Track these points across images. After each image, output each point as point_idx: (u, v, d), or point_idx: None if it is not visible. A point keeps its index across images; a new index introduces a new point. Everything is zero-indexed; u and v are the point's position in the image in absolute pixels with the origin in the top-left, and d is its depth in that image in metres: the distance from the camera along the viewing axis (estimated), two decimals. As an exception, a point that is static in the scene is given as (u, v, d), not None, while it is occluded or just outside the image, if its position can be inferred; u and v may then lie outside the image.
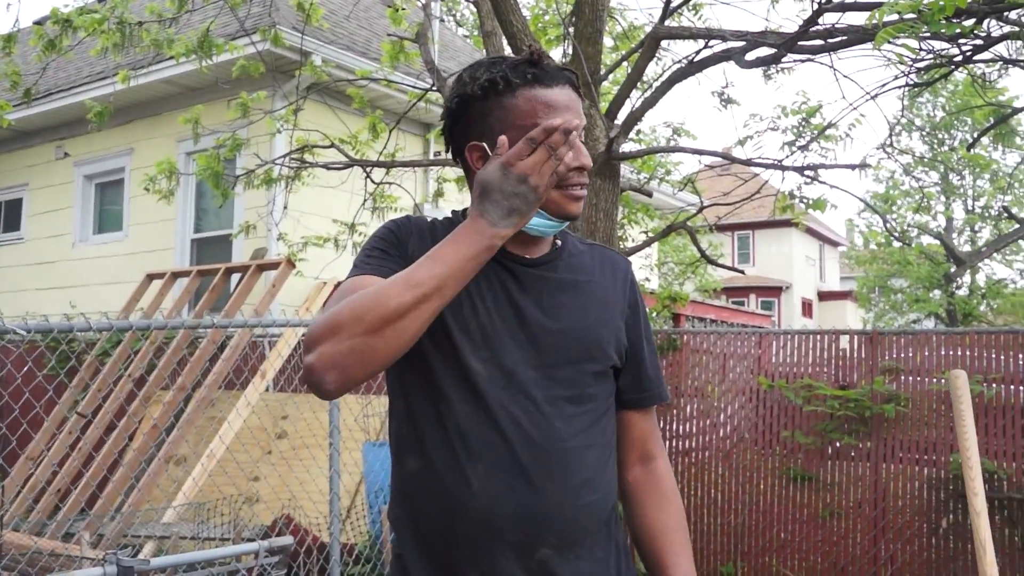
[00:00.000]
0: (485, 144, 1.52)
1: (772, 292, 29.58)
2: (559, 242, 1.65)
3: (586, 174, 1.54)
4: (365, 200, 6.89)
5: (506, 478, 1.47)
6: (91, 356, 7.33)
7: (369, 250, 1.59)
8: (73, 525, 6.11)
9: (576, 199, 1.54)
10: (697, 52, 5.16)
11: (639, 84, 5.66)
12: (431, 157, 9.11)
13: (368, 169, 6.61)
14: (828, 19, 4.69)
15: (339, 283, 1.55)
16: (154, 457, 6.14)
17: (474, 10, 6.67)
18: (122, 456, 6.43)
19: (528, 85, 1.51)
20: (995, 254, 20.20)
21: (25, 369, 5.51)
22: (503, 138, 1.40)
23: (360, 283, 1.48)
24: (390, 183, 6.87)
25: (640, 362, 1.69)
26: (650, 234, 8.26)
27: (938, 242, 20.45)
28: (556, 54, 6.64)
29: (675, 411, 6.36)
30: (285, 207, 7.06)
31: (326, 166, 6.50)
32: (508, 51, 5.38)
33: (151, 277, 7.92)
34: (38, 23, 9.01)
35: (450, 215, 1.67)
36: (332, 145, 6.49)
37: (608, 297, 1.65)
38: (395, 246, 1.57)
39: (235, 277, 7.70)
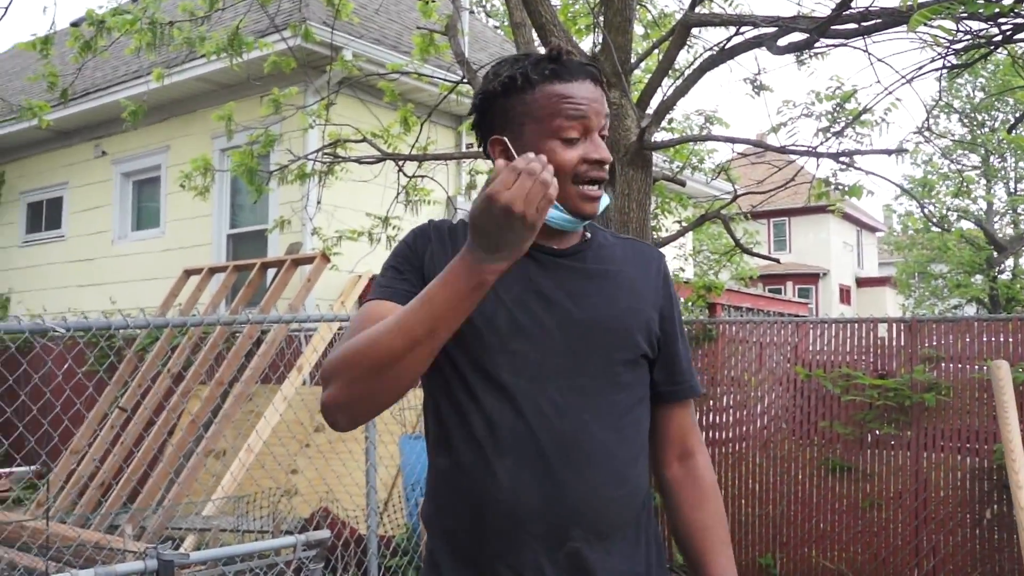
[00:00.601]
0: (506, 138, 1.53)
1: (809, 279, 29.27)
2: (588, 234, 1.64)
3: (606, 171, 1.53)
4: (398, 193, 6.91)
5: (533, 471, 1.46)
6: (130, 353, 7.43)
7: (385, 270, 1.61)
8: (116, 518, 6.21)
9: (589, 199, 1.53)
10: (728, 39, 5.09)
11: (670, 72, 5.62)
12: (463, 149, 9.11)
13: (400, 163, 6.62)
14: (861, 2, 4.62)
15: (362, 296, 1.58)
16: (193, 452, 6.21)
17: (503, 1, 6.64)
18: (162, 451, 6.52)
19: (548, 81, 1.51)
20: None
21: (66, 366, 5.60)
22: (530, 155, 1.34)
23: (373, 312, 1.49)
24: (422, 176, 6.88)
25: (675, 355, 1.67)
26: (684, 223, 8.20)
27: (976, 227, 20.12)
28: (586, 44, 6.60)
29: (712, 401, 6.31)
30: (319, 202, 7.10)
31: (359, 160, 6.52)
32: (537, 42, 5.35)
33: (188, 273, 8.01)
34: (74, 24, 9.13)
35: None
36: (364, 139, 6.51)
37: (640, 288, 1.63)
38: (408, 261, 1.58)
39: (271, 272, 7.76)
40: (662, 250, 7.08)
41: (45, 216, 11.66)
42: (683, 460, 1.69)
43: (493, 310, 1.49)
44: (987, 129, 20.61)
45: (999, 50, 5.27)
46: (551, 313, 1.52)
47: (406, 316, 1.36)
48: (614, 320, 1.56)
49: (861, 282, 32.47)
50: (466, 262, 1.33)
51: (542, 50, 5.76)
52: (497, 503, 1.46)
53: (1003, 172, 21.66)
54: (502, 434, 1.47)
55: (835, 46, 4.99)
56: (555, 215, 1.53)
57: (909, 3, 3.40)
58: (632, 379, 1.58)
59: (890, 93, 4.95)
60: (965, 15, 3.82)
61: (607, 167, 1.54)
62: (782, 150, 5.51)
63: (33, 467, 6.75)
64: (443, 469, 1.55)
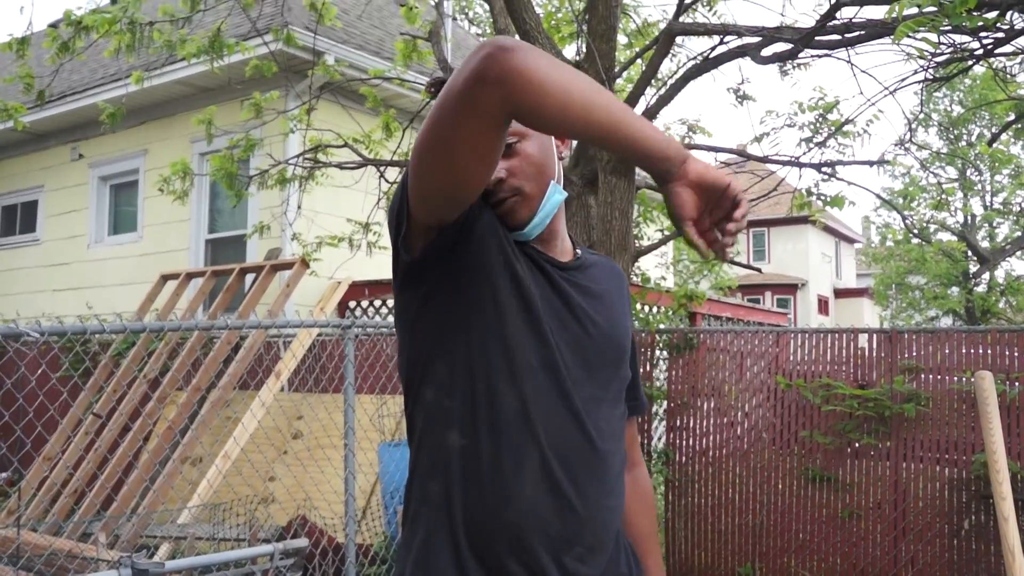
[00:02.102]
0: None
1: (788, 289, 29.44)
2: (578, 251, 1.67)
3: (507, 185, 1.49)
4: (379, 199, 6.87)
5: (559, 474, 1.45)
6: (105, 358, 7.34)
7: None
8: (89, 526, 6.11)
9: (503, 214, 1.51)
10: (712, 48, 5.10)
11: (654, 81, 5.61)
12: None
13: (382, 168, 6.58)
14: (846, 13, 4.63)
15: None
16: (169, 458, 6.13)
17: (487, 8, 6.63)
18: (137, 457, 6.43)
19: None
20: (1018, 252, 20.02)
21: (40, 371, 5.52)
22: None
23: None
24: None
25: (635, 371, 1.74)
26: (666, 232, 8.20)
27: (956, 239, 20.27)
28: (569, 51, 6.60)
29: (692, 410, 6.31)
30: (299, 207, 7.05)
31: (340, 166, 6.48)
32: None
33: (165, 278, 7.92)
34: (52, 26, 9.04)
35: None
36: (345, 145, 6.47)
37: (622, 307, 1.69)
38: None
39: (249, 277, 7.70)
40: (644, 258, 7.05)
41: (20, 219, 11.52)
42: (628, 470, 1.74)
43: (540, 305, 1.50)
44: (964, 143, 20.81)
45: (980, 63, 5.31)
46: (568, 325, 1.54)
47: (606, 99, 1.31)
48: (617, 338, 1.61)
49: (839, 293, 32.70)
50: (675, 149, 1.34)
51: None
52: (520, 499, 1.43)
53: (979, 186, 21.88)
54: (534, 427, 1.45)
55: (819, 57, 5.02)
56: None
57: (894, 15, 3.41)
58: (623, 396, 1.66)
59: (872, 104, 4.98)
60: (949, 28, 3.84)
61: (504, 182, 1.49)
62: (765, 160, 5.53)
63: (4, 474, 6.64)
64: (457, 448, 1.46)
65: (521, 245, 1.55)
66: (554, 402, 1.47)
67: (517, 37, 5.18)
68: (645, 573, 1.71)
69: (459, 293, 1.47)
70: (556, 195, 1.56)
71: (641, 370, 6.42)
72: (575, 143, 5.05)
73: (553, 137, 1.58)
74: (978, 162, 20.47)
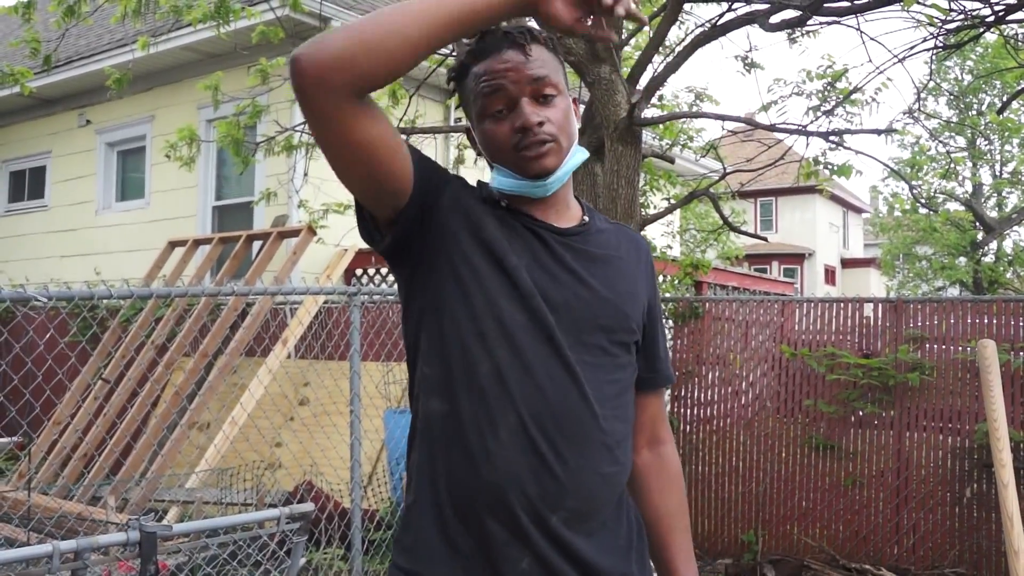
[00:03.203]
0: (471, 126, 1.59)
1: (795, 259, 29.36)
2: (586, 217, 1.64)
3: (541, 130, 1.50)
4: (385, 167, 6.85)
5: (535, 434, 1.45)
6: (114, 323, 7.38)
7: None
8: (99, 490, 6.18)
9: (530, 159, 1.51)
10: (720, 16, 5.06)
11: (661, 49, 5.58)
12: (451, 123, 9.05)
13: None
14: (856, -20, 4.58)
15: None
16: (177, 424, 6.18)
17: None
18: (145, 422, 6.49)
19: (472, 63, 1.55)
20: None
21: (48, 336, 5.55)
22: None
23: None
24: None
25: (655, 342, 1.70)
26: (672, 201, 8.19)
27: (964, 208, 20.18)
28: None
29: (697, 379, 6.33)
30: (305, 174, 7.04)
31: (346, 133, 6.46)
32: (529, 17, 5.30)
33: (173, 244, 7.95)
34: (57, -10, 8.99)
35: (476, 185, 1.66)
36: (352, 111, 6.44)
37: (633, 273, 1.65)
38: (438, 172, 1.54)
39: (256, 244, 7.71)
40: (650, 227, 7.03)
41: (28, 185, 11.54)
42: (652, 447, 1.73)
43: (515, 264, 1.50)
44: (974, 112, 20.65)
45: (991, 31, 5.26)
46: (558, 287, 1.52)
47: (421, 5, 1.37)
48: (615, 302, 1.57)
49: (846, 263, 32.62)
50: None
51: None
52: (496, 459, 1.44)
53: (989, 155, 21.73)
54: (510, 388, 1.46)
55: (827, 24, 4.98)
56: (513, 183, 1.54)
57: (903, -19, 3.38)
58: (626, 362, 1.60)
59: (881, 73, 4.94)
60: (959, -6, 3.81)
61: (544, 125, 1.50)
62: (772, 128, 5.50)
63: (15, 438, 6.70)
64: (439, 412, 1.50)
65: (513, 214, 1.55)
66: (540, 364, 1.47)
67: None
68: (666, 551, 1.69)
69: (433, 269, 1.52)
70: (579, 153, 1.59)
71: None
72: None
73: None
74: (988, 131, 20.32)
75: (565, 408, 1.47)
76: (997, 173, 21.98)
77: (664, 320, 6.44)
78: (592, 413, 1.50)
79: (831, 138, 5.49)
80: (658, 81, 5.17)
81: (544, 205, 1.58)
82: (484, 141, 1.56)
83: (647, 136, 7.43)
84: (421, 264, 1.52)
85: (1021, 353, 5.40)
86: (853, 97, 5.83)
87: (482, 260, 1.49)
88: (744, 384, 6.22)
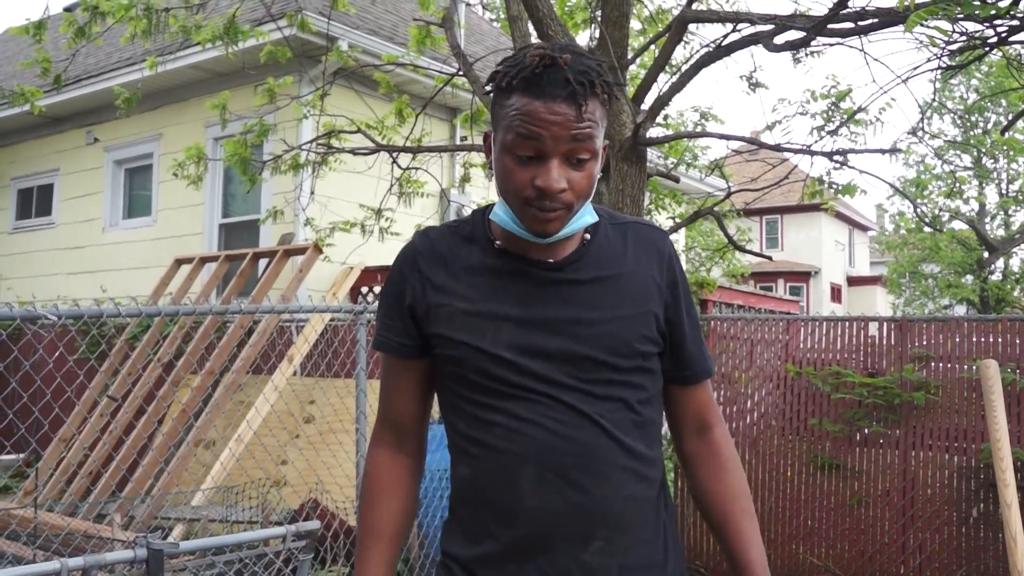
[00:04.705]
0: (493, 136, 1.55)
1: (801, 277, 29.34)
2: (587, 236, 1.59)
3: (560, 200, 1.46)
4: (392, 185, 6.90)
5: (555, 479, 1.49)
6: (121, 341, 7.41)
7: (380, 312, 1.66)
8: (105, 507, 6.19)
9: (539, 221, 1.48)
10: (725, 36, 5.10)
11: (666, 68, 5.61)
12: (457, 142, 9.10)
13: (395, 154, 6.61)
14: (858, 1, 4.62)
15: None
16: (183, 441, 6.20)
17: (500, -6, 6.63)
18: (152, 440, 6.50)
19: (520, 90, 1.44)
20: (1029, 239, 19.90)
21: (56, 354, 5.58)
22: None
23: (388, 383, 1.69)
24: (416, 168, 6.86)
25: (681, 343, 1.65)
26: (677, 220, 8.21)
27: (968, 227, 20.17)
28: (583, 39, 6.60)
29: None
30: (312, 192, 7.08)
31: (353, 151, 6.51)
32: (534, 35, 5.35)
33: (179, 262, 7.98)
34: (68, 10, 9.09)
35: (469, 214, 1.67)
36: (359, 130, 6.49)
37: (639, 286, 1.59)
38: (397, 302, 1.62)
39: (263, 262, 7.74)
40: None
41: (35, 202, 11.60)
42: (701, 434, 1.71)
43: (497, 330, 1.52)
44: (979, 131, 20.67)
45: (994, 52, 5.29)
46: (553, 334, 1.52)
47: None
48: (616, 332, 1.54)
49: (852, 281, 32.57)
50: None
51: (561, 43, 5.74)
52: (524, 511, 1.50)
53: (995, 174, 21.73)
54: (521, 446, 1.50)
55: (831, 45, 5.01)
56: (512, 227, 1.52)
57: (906, 3, 3.40)
58: (641, 379, 1.58)
59: (885, 93, 4.96)
60: (961, 16, 3.83)
61: (564, 193, 1.46)
62: (776, 148, 5.53)
63: (22, 455, 6.73)
64: (465, 478, 1.58)
65: (504, 256, 1.56)
66: (545, 416, 1.50)
67: (530, 24, 5.19)
68: (730, 540, 1.65)
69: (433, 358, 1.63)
70: (587, 216, 1.55)
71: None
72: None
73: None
74: (994, 150, 20.33)
75: (580, 446, 1.50)
76: (1003, 192, 21.98)
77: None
78: (615, 441, 1.52)
79: (835, 158, 5.51)
80: (663, 101, 5.20)
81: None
82: (499, 172, 1.51)
83: (652, 155, 7.46)
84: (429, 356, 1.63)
85: (1027, 372, 5.39)
86: (857, 117, 5.85)
87: (465, 336, 1.54)
88: (749, 403, 6.22)
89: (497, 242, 1.57)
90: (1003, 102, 18.49)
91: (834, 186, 5.99)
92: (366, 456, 1.73)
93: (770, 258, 6.99)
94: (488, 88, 1.54)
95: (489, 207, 1.61)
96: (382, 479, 1.66)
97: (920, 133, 6.29)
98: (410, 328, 1.59)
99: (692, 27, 5.96)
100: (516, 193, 1.48)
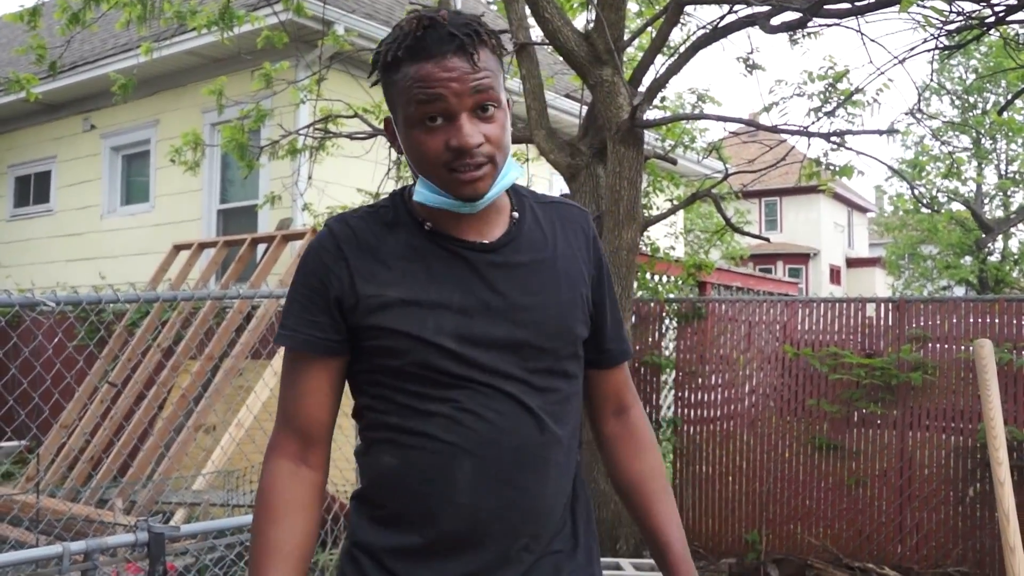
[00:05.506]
0: (394, 120, 1.48)
1: (800, 259, 29.37)
2: (516, 214, 1.54)
3: (479, 153, 1.39)
4: (389, 169, 6.89)
5: (493, 475, 1.43)
6: (120, 327, 7.42)
7: (294, 308, 1.51)
8: (106, 492, 6.22)
9: (464, 183, 1.40)
10: (722, 17, 5.09)
11: (663, 50, 5.60)
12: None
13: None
14: (856, -18, 4.60)
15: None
16: (183, 427, 6.22)
17: (496, -23, 6.61)
18: (152, 425, 6.52)
19: (407, 60, 1.38)
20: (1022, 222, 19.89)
21: (56, 340, 5.59)
22: None
23: (298, 379, 1.53)
24: (397, 151, 6.85)
25: (602, 324, 1.62)
26: (675, 202, 8.21)
27: (965, 208, 20.16)
28: (579, 21, 6.57)
29: (700, 379, 6.35)
30: (310, 177, 7.08)
31: (350, 136, 6.50)
32: (531, 18, 5.33)
33: (178, 248, 7.98)
34: (62, -5, 9.04)
35: (384, 199, 1.58)
36: (355, 115, 6.48)
37: (571, 268, 1.55)
38: (319, 295, 1.48)
39: (261, 247, 7.74)
40: (654, 227, 7.02)
41: (33, 190, 11.59)
42: (619, 415, 1.69)
43: (438, 319, 1.43)
44: (979, 111, 20.62)
45: (992, 31, 5.28)
46: (492, 315, 1.45)
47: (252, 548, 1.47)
48: (557, 318, 1.50)
49: (851, 262, 32.61)
50: None
51: (534, 26, 5.76)
52: (457, 506, 1.42)
53: (994, 154, 21.70)
54: (464, 437, 1.42)
55: (828, 26, 5.00)
56: (439, 200, 1.43)
57: (902, -17, 3.40)
58: (574, 367, 1.55)
59: (882, 74, 4.96)
60: (957, -4, 3.83)
61: (482, 146, 1.39)
62: (774, 129, 5.52)
63: (23, 441, 6.75)
64: (390, 468, 1.47)
65: (436, 238, 1.48)
66: (487, 408, 1.43)
67: (527, 8, 5.17)
68: (650, 518, 1.63)
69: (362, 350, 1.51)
70: (512, 170, 1.48)
71: (650, 340, 6.47)
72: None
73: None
74: (993, 131, 20.30)
75: (520, 440, 1.44)
76: (1003, 172, 21.95)
77: (668, 321, 6.49)
78: (551, 435, 1.47)
79: (833, 139, 5.51)
80: (660, 83, 5.19)
81: (472, 218, 1.48)
82: (411, 149, 1.44)
83: (649, 137, 7.46)
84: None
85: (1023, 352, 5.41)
86: (855, 98, 5.85)
87: (403, 326, 1.43)
88: (748, 384, 6.24)
89: (427, 224, 1.48)
90: (1003, 82, 18.45)
91: (831, 167, 5.99)
92: (263, 468, 1.52)
93: (767, 239, 7.01)
94: (374, 75, 1.47)
95: (406, 189, 1.55)
96: (284, 493, 1.47)
97: (918, 114, 6.28)
98: (337, 322, 1.46)
99: (689, 8, 5.95)
100: (434, 162, 1.40)
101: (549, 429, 1.47)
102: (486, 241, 1.49)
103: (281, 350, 1.61)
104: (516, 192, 1.57)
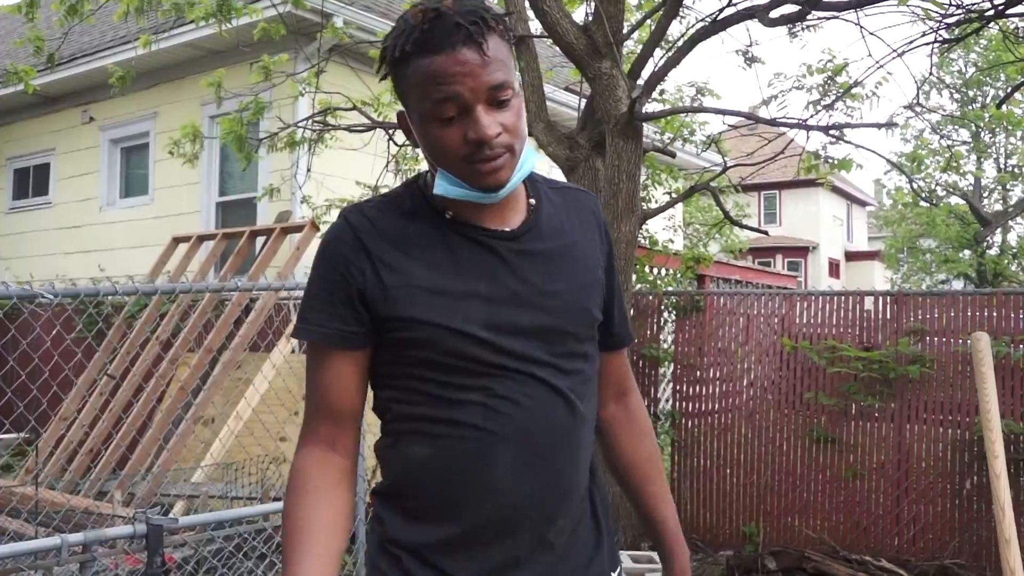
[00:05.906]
0: (407, 114, 1.47)
1: (799, 252, 29.37)
2: (533, 201, 1.55)
3: (499, 144, 1.39)
4: (388, 162, 6.89)
5: (531, 459, 1.44)
6: (119, 319, 7.42)
7: (315, 302, 1.49)
8: (105, 484, 6.23)
9: (486, 173, 1.40)
10: (720, 10, 5.08)
11: (662, 43, 5.60)
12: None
13: (391, 131, 6.60)
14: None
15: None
16: (182, 419, 6.23)
17: (495, -31, 6.59)
18: (151, 418, 6.53)
19: (417, 54, 1.37)
20: (1020, 215, 19.89)
21: (54, 332, 5.60)
22: None
23: (326, 372, 1.51)
24: (412, 145, 6.85)
25: (611, 309, 1.64)
26: (674, 195, 8.21)
27: (963, 202, 20.17)
28: (579, 14, 6.56)
29: (698, 372, 6.36)
30: (308, 170, 7.07)
31: (349, 129, 6.50)
32: (530, 10, 5.33)
33: (177, 240, 7.98)
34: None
35: (398, 188, 1.57)
36: (354, 107, 6.48)
37: (588, 253, 1.58)
38: (340, 288, 1.46)
39: (260, 240, 7.74)
40: (652, 220, 7.03)
41: (32, 182, 11.57)
42: (619, 399, 1.73)
43: (468, 308, 1.43)
44: (978, 105, 20.60)
45: (991, 24, 5.28)
46: (519, 302, 1.46)
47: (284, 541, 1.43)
48: (578, 303, 1.52)
49: (850, 256, 32.60)
50: None
51: (532, 17, 5.76)
52: (498, 492, 1.43)
53: (993, 148, 21.69)
54: (501, 423, 1.43)
55: (827, 19, 5.00)
56: (460, 192, 1.43)
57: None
58: (592, 349, 1.58)
59: (881, 67, 4.96)
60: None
61: (500, 136, 1.38)
62: (773, 122, 5.52)
63: (22, 433, 6.75)
64: (421, 459, 1.47)
65: (460, 227, 1.47)
66: (521, 394, 1.44)
67: (526, 1, 5.16)
68: (646, 499, 1.71)
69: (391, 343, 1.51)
70: (531, 158, 1.48)
71: (648, 333, 6.47)
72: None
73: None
74: (992, 124, 20.29)
75: (554, 424, 1.46)
76: (1002, 166, 21.94)
77: (667, 314, 6.49)
78: (581, 417, 1.50)
79: (831, 132, 5.51)
80: (659, 76, 5.19)
81: (492, 206, 1.48)
82: (428, 143, 1.43)
83: (648, 130, 7.45)
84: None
85: (1021, 346, 5.42)
86: (853, 91, 5.85)
87: (433, 317, 1.42)
88: (746, 377, 6.25)
89: (448, 212, 1.48)
90: (1002, 76, 18.42)
91: (830, 160, 5.99)
92: (293, 458, 1.51)
93: (766, 233, 7.01)
94: (383, 70, 1.45)
95: (420, 177, 1.55)
96: (313, 478, 1.47)
97: (917, 107, 6.28)
98: (360, 314, 1.44)
99: (688, 1, 5.95)
100: (454, 156, 1.40)
101: (578, 410, 1.50)
102: (507, 229, 1.50)
103: (280, 343, 1.61)
104: (530, 178, 1.56)
